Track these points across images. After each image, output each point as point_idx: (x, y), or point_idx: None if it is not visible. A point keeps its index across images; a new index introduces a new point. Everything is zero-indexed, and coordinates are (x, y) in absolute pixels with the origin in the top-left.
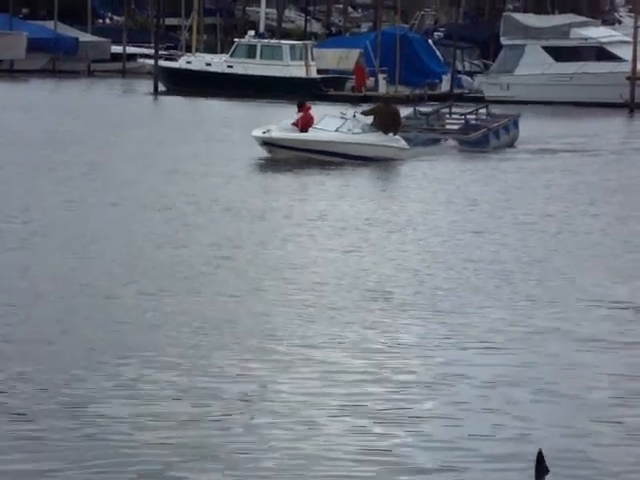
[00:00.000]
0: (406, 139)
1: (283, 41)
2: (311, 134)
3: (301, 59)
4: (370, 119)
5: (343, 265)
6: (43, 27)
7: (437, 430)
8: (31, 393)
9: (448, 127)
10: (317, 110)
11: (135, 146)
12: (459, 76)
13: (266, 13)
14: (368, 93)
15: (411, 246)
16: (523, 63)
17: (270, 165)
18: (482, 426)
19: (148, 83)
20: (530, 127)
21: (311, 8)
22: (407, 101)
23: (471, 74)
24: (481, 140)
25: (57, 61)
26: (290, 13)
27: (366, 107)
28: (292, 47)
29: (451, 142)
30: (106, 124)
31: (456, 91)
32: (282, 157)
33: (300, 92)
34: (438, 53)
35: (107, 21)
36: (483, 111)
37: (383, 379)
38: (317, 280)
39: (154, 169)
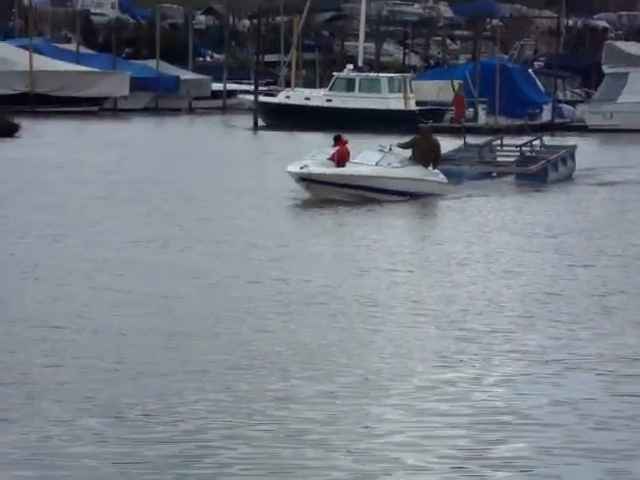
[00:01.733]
0: (458, 173)
1: (381, 74)
2: (351, 168)
3: (400, 91)
4: (408, 152)
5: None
6: (145, 66)
7: None
8: None
9: (501, 160)
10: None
11: (234, 181)
12: (560, 105)
13: (364, 47)
14: (467, 124)
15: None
16: (626, 91)
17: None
18: None
19: (248, 119)
20: (590, 158)
21: (409, 41)
22: (507, 132)
23: (573, 103)
24: (540, 173)
25: (159, 99)
26: (388, 47)
27: (404, 140)
28: (390, 80)
29: (507, 176)
30: (209, 161)
31: (557, 121)
32: (321, 194)
33: (399, 124)
34: (538, 83)
35: (208, 59)
36: (537, 143)
37: None
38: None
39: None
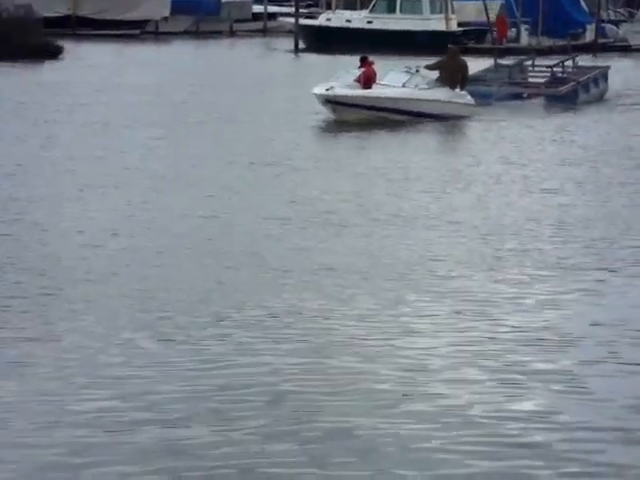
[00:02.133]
0: (487, 94)
1: None
2: (377, 90)
3: (441, 12)
4: (436, 74)
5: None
6: None
7: None
8: None
9: (532, 80)
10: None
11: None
12: (603, 25)
13: None
14: (509, 45)
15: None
16: None
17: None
18: None
19: (289, 41)
20: (629, 79)
21: None
22: (550, 52)
23: (616, 23)
24: (570, 95)
25: (200, 22)
26: None
27: (431, 61)
28: (432, 1)
29: (536, 97)
30: (250, 84)
31: (601, 41)
32: (347, 117)
33: (440, 45)
34: (582, 2)
35: None
36: (569, 63)
37: None
38: None
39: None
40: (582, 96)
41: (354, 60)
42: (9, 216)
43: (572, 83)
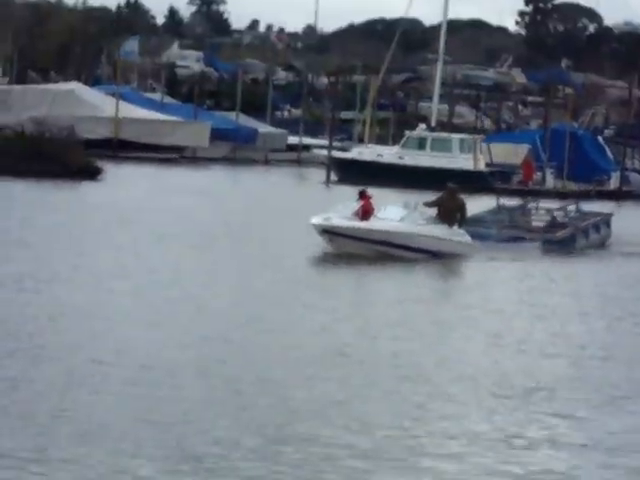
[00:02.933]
0: (486, 236)
1: (453, 134)
2: (375, 223)
3: (470, 152)
4: (434, 211)
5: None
6: (226, 118)
7: None
8: None
9: (533, 224)
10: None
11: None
12: (628, 173)
13: (438, 109)
14: (535, 187)
15: None
16: None
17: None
18: None
19: (321, 173)
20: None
21: (482, 104)
22: (574, 196)
23: None
24: (567, 240)
25: (237, 150)
26: (461, 109)
27: (430, 198)
28: (462, 140)
29: (534, 242)
30: (279, 211)
31: (625, 189)
32: (343, 248)
33: (468, 184)
34: (608, 150)
35: (285, 114)
36: (572, 208)
37: None
38: None
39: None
40: (580, 242)
41: (384, 193)
42: None
43: (570, 228)
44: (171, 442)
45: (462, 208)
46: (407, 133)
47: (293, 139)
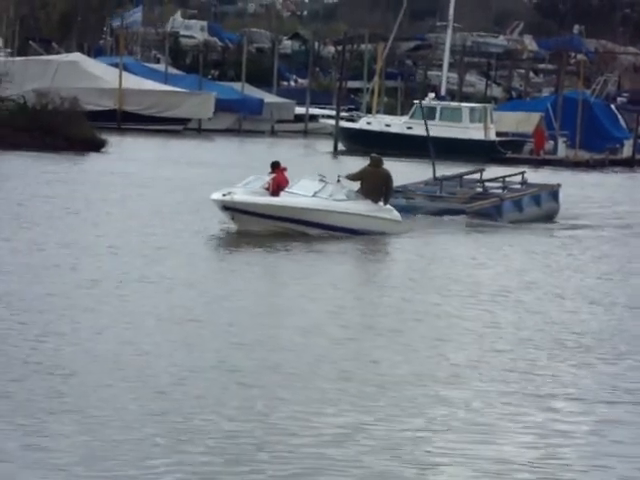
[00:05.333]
0: (411, 208)
1: (463, 104)
2: (282, 199)
3: (480, 121)
4: (356, 184)
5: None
6: (231, 88)
7: None
8: None
9: (465, 196)
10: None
11: None
12: None
13: (447, 77)
14: (547, 156)
15: None
16: None
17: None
18: None
19: (328, 143)
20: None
21: (492, 73)
22: (587, 165)
23: None
24: (490, 211)
25: (243, 121)
26: (471, 77)
27: (353, 171)
28: (472, 109)
29: (459, 215)
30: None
31: (638, 156)
32: (247, 226)
33: (478, 154)
34: (620, 118)
35: (292, 83)
36: (517, 179)
37: None
38: None
39: None
40: (510, 214)
41: (393, 164)
42: None
43: (493, 199)
44: None
45: (387, 180)
46: (416, 102)
47: (300, 109)
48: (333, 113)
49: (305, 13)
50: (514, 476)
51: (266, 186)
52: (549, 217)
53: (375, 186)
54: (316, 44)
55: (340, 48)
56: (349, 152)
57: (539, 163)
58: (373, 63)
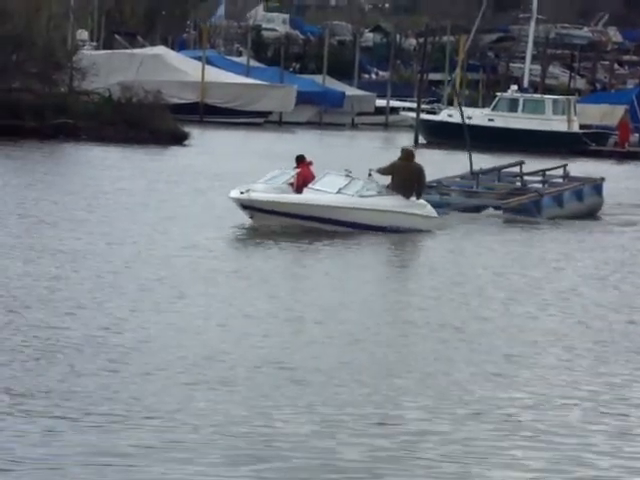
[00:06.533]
0: (445, 204)
1: (546, 95)
2: (302, 196)
3: (564, 113)
4: (387, 179)
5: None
6: (312, 81)
7: None
8: None
9: (502, 192)
10: (574, 167)
11: None
12: None
13: (530, 69)
14: (631, 149)
15: None
16: None
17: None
18: None
19: (409, 135)
20: None
21: (576, 64)
22: None
23: None
24: (528, 207)
25: (323, 114)
26: (554, 69)
27: (384, 165)
28: (555, 101)
29: (492, 210)
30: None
31: None
32: (268, 224)
33: (561, 146)
34: None
35: (373, 76)
36: (559, 172)
37: None
38: None
39: None
40: (550, 210)
41: (474, 156)
42: None
43: (531, 194)
44: None
45: (419, 175)
46: (498, 95)
47: (381, 102)
48: (414, 105)
49: (387, 5)
50: None
51: (291, 181)
52: (592, 212)
53: (406, 181)
54: (397, 36)
55: (422, 40)
56: (430, 144)
57: (623, 156)
58: (455, 55)
